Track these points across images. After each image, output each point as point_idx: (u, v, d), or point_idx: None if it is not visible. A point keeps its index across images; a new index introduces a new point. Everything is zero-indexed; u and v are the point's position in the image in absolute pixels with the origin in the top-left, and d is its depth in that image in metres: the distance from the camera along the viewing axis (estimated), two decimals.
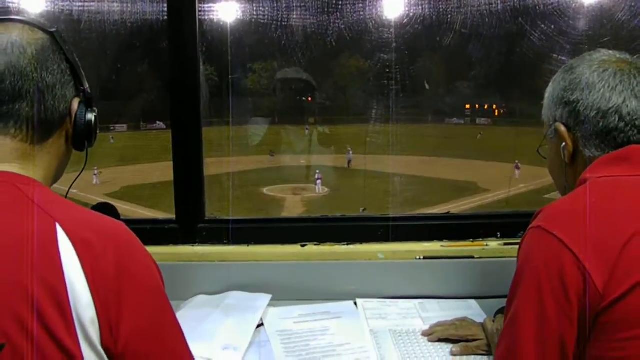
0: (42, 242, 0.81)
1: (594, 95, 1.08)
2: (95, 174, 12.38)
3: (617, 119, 1.06)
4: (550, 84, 1.18)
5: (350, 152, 12.80)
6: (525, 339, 0.98)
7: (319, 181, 12.40)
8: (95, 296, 0.80)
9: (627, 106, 1.06)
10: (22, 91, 0.90)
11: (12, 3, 2.04)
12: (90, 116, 1.00)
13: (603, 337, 0.93)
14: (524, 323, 0.99)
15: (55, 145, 0.97)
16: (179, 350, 0.93)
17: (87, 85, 1.01)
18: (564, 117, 1.13)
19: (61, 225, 0.82)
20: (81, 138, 1.00)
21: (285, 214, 11.86)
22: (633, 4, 2.01)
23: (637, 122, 1.06)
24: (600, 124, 1.07)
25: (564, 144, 1.13)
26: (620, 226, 0.95)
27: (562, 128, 1.13)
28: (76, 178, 1.13)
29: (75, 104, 0.98)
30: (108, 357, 0.82)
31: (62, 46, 0.96)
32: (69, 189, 1.09)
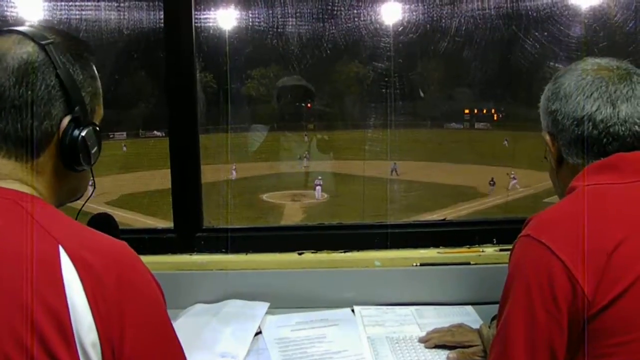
0: (45, 264, 0.79)
1: (570, 104, 1.10)
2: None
3: (590, 127, 1.07)
4: (543, 94, 1.20)
5: (396, 163, 12.35)
6: (515, 346, 0.99)
7: (318, 187, 12.29)
8: (97, 319, 0.79)
9: (601, 113, 1.06)
10: None
11: (12, 11, 2.05)
12: (77, 135, 0.90)
13: (593, 343, 0.94)
14: (514, 330, 0.99)
15: (49, 165, 0.91)
16: None
17: (83, 101, 0.92)
18: (549, 126, 1.16)
19: (63, 247, 0.81)
20: (68, 158, 0.91)
21: (284, 221, 11.81)
22: (625, 10, 2.02)
23: (611, 130, 1.06)
24: (576, 132, 1.09)
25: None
26: (608, 233, 0.96)
27: (547, 137, 1.16)
28: (87, 199, 1.10)
29: (66, 121, 0.90)
30: None
31: (52, 60, 0.88)
32: (80, 209, 1.07)
